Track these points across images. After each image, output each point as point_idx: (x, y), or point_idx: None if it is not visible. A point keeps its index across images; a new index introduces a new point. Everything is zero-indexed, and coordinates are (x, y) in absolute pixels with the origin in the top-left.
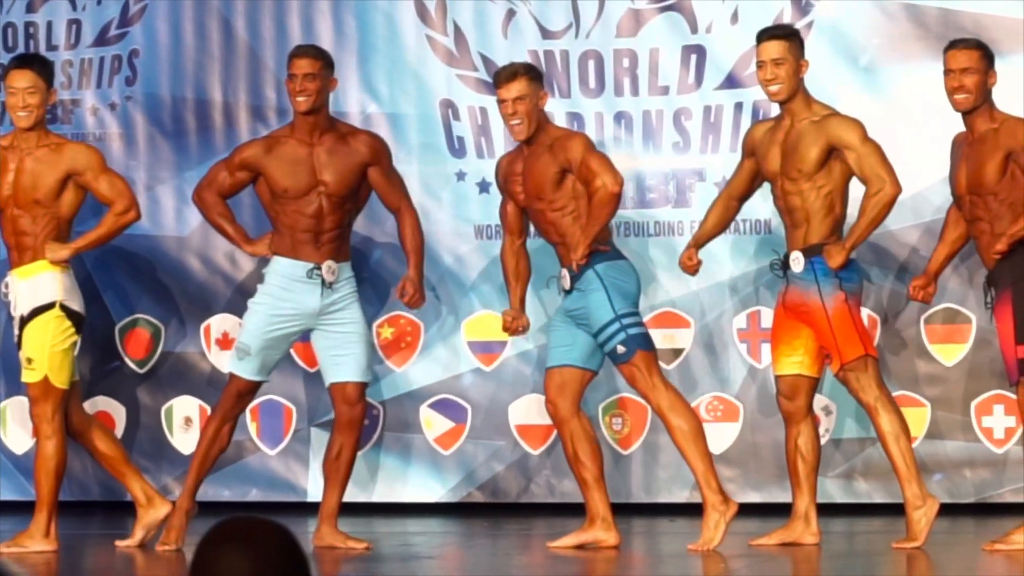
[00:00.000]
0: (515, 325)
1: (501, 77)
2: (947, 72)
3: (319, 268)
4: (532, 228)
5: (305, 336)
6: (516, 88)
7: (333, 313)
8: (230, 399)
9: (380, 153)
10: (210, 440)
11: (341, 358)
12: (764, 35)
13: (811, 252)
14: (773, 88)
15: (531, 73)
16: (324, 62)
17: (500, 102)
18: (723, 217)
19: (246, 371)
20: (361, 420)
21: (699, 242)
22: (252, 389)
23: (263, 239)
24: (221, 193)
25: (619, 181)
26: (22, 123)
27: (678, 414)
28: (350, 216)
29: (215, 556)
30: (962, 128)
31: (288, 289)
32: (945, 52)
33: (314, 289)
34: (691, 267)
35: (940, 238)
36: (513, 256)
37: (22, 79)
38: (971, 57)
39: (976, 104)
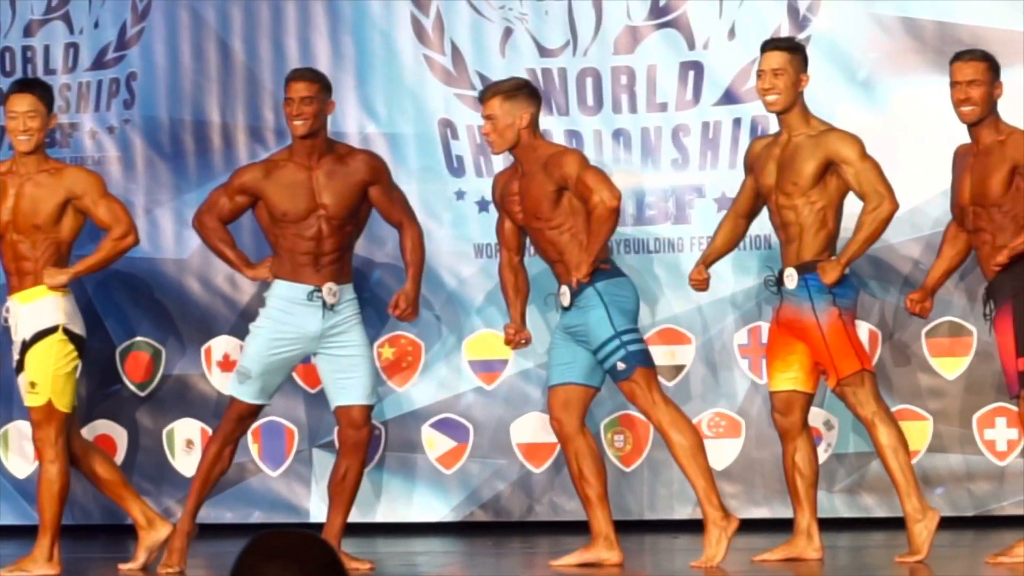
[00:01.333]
0: (517, 339)
1: (482, 95)
2: (953, 84)
3: (320, 290)
4: (529, 245)
5: (306, 358)
6: (490, 107)
7: (336, 336)
8: (231, 422)
9: (379, 171)
10: (211, 462)
11: (346, 381)
12: (767, 45)
13: (805, 269)
14: (770, 98)
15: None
16: (321, 85)
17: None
18: (732, 235)
19: (247, 395)
20: (367, 442)
21: (708, 260)
22: (253, 412)
23: (264, 263)
24: (221, 218)
25: (616, 195)
26: (23, 147)
27: (679, 430)
28: (351, 238)
29: (257, 572)
30: (960, 141)
31: (289, 312)
32: (951, 64)
33: (315, 312)
34: (700, 282)
35: (938, 253)
36: (511, 272)
37: (23, 103)
38: (977, 69)
39: (982, 116)
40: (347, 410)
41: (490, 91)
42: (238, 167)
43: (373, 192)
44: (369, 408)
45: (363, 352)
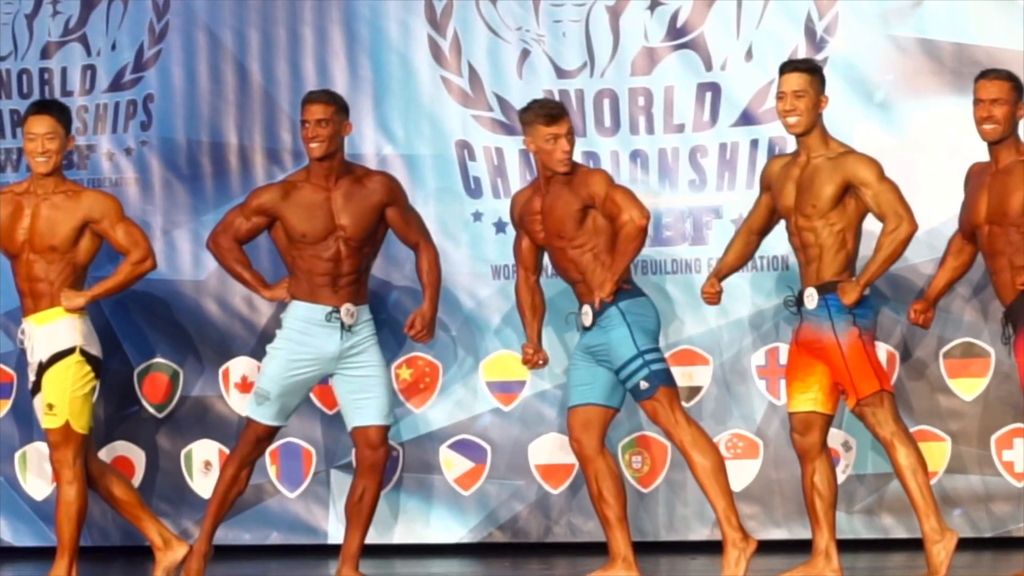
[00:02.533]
0: (535, 359)
1: (554, 114)
2: (977, 102)
3: (337, 311)
4: (547, 266)
5: (324, 379)
6: (568, 123)
7: (353, 357)
8: (248, 444)
9: (395, 192)
10: (228, 484)
11: (363, 402)
12: (787, 67)
13: (825, 289)
14: (791, 120)
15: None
16: (337, 107)
17: (554, 138)
18: (743, 251)
19: (264, 416)
20: (384, 463)
21: (720, 274)
22: (270, 434)
23: (281, 284)
24: (237, 238)
25: (646, 215)
26: (41, 168)
27: (700, 450)
28: (368, 259)
29: None
30: (977, 161)
31: (307, 333)
32: (976, 81)
33: (333, 333)
34: (712, 295)
35: (941, 264)
36: (528, 292)
37: (41, 124)
38: (1002, 88)
39: (1004, 135)
40: (364, 431)
41: (564, 108)
42: (255, 188)
43: (390, 213)
44: (386, 428)
45: (380, 373)
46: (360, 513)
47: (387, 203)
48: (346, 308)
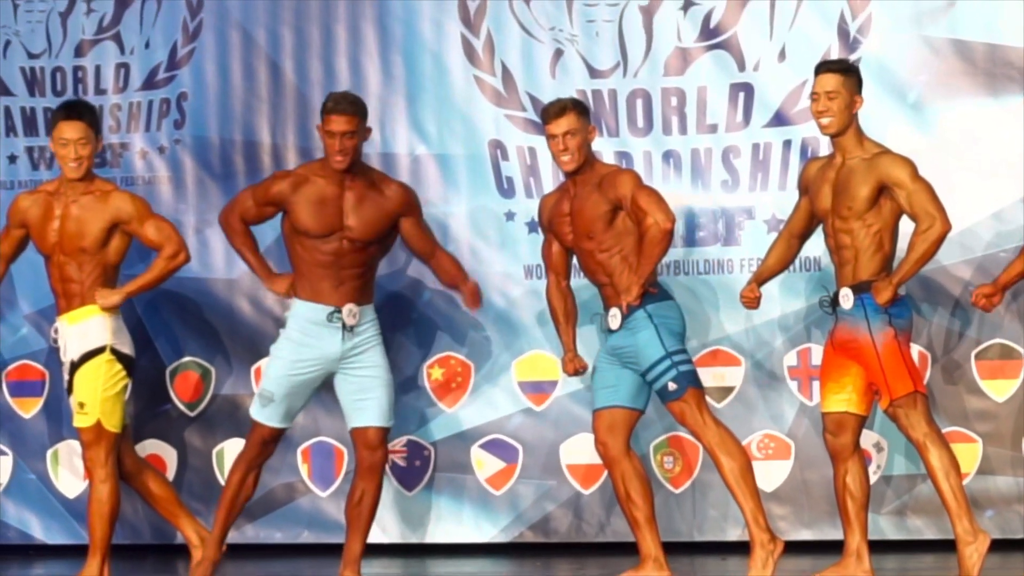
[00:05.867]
0: (576, 367)
1: (550, 113)
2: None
3: (339, 312)
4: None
5: (327, 383)
6: (565, 123)
7: (355, 357)
8: (254, 447)
9: (411, 205)
10: (235, 490)
11: (363, 402)
12: (821, 67)
13: (860, 289)
14: (824, 120)
15: (579, 108)
16: (360, 117)
17: (550, 137)
18: (785, 255)
19: (270, 418)
20: (383, 465)
21: (760, 278)
22: (276, 436)
23: (285, 278)
24: (246, 220)
25: (671, 218)
26: (73, 174)
27: (727, 452)
28: (373, 259)
29: None
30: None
31: (309, 334)
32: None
33: (335, 333)
34: (752, 300)
35: (1021, 253)
36: (560, 297)
37: (74, 130)
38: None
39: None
40: (363, 432)
41: (560, 108)
42: (274, 173)
43: (405, 224)
44: (385, 430)
45: (381, 374)
46: (360, 516)
47: (402, 214)
48: (348, 308)
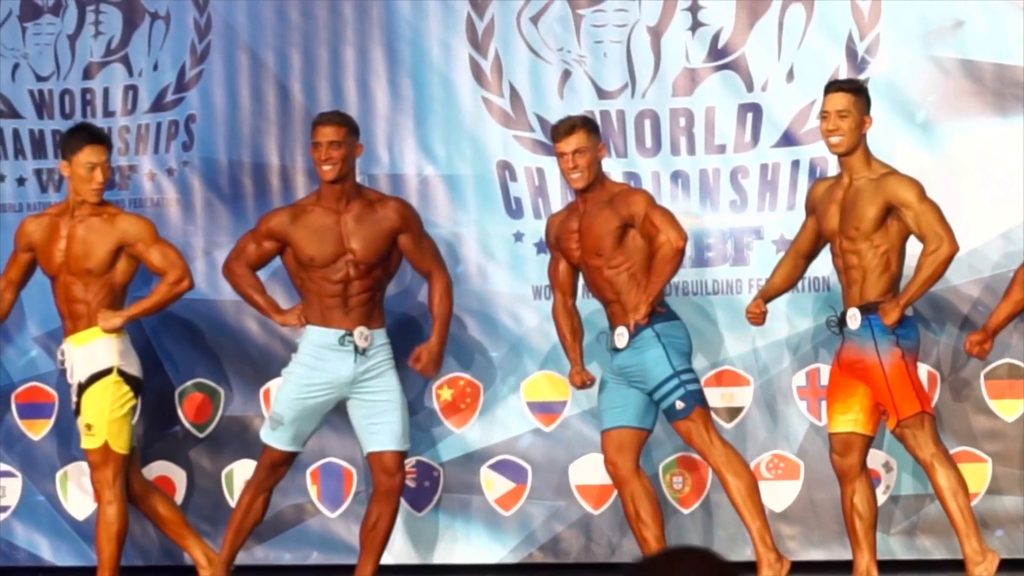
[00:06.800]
0: (583, 379)
1: (560, 131)
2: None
3: (351, 335)
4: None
5: (338, 406)
6: (575, 141)
7: (368, 381)
8: (264, 470)
9: (409, 220)
10: (244, 512)
11: (378, 427)
12: (832, 86)
13: (868, 309)
14: (834, 140)
15: (589, 125)
16: (349, 128)
17: (560, 155)
18: (791, 274)
19: (279, 441)
20: (400, 489)
21: (766, 296)
22: (286, 460)
23: (294, 309)
24: (250, 264)
25: (683, 236)
26: (94, 198)
27: (734, 471)
28: (380, 282)
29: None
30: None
31: (320, 358)
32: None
33: (347, 357)
34: (757, 315)
35: (1005, 296)
36: (567, 315)
37: (100, 154)
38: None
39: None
40: (379, 456)
41: (570, 126)
42: (265, 212)
43: (403, 240)
44: (402, 454)
45: (395, 397)
46: (374, 540)
47: (400, 230)
48: (360, 331)
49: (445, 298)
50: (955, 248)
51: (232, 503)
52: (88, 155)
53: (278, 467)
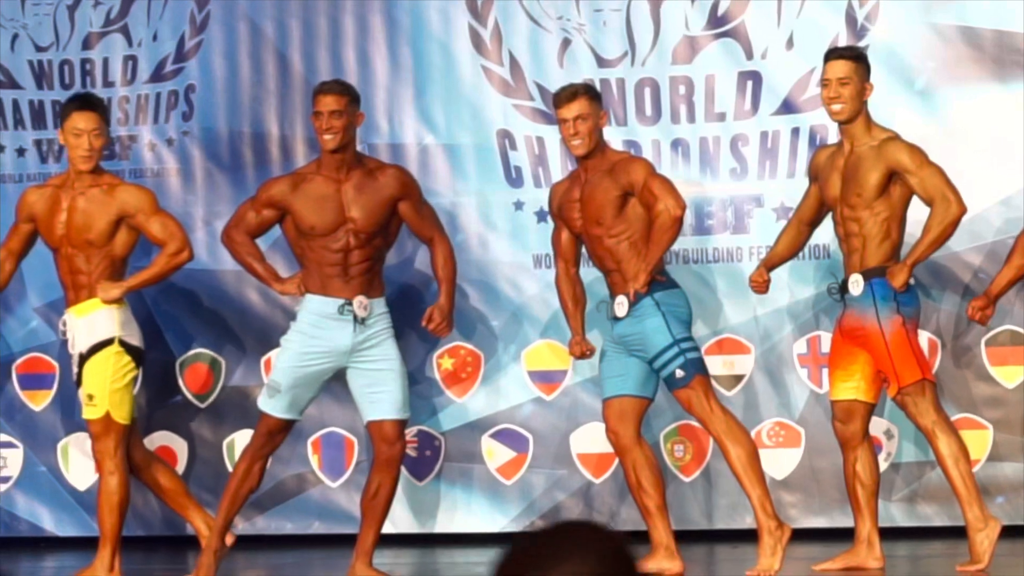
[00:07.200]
0: (582, 349)
1: (561, 97)
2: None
3: (350, 304)
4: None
5: (339, 375)
6: (577, 107)
7: (367, 350)
8: (260, 437)
9: (409, 186)
10: (240, 479)
11: (377, 396)
12: (832, 54)
13: (870, 275)
14: (835, 107)
15: (590, 93)
16: (350, 97)
17: (561, 122)
18: (795, 241)
19: (276, 409)
20: (400, 458)
21: (769, 264)
22: (283, 427)
23: (293, 278)
24: (249, 232)
25: (681, 205)
26: (84, 165)
27: (734, 439)
28: (380, 251)
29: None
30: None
31: (319, 326)
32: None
33: (346, 326)
34: (760, 284)
35: (1006, 262)
36: (570, 283)
37: (88, 121)
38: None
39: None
40: (379, 425)
41: (571, 92)
42: (265, 180)
43: (403, 207)
44: (402, 423)
45: (394, 366)
46: (375, 509)
47: (400, 197)
48: (359, 300)
49: (448, 262)
50: (963, 209)
51: None
52: (75, 121)
53: (275, 435)
